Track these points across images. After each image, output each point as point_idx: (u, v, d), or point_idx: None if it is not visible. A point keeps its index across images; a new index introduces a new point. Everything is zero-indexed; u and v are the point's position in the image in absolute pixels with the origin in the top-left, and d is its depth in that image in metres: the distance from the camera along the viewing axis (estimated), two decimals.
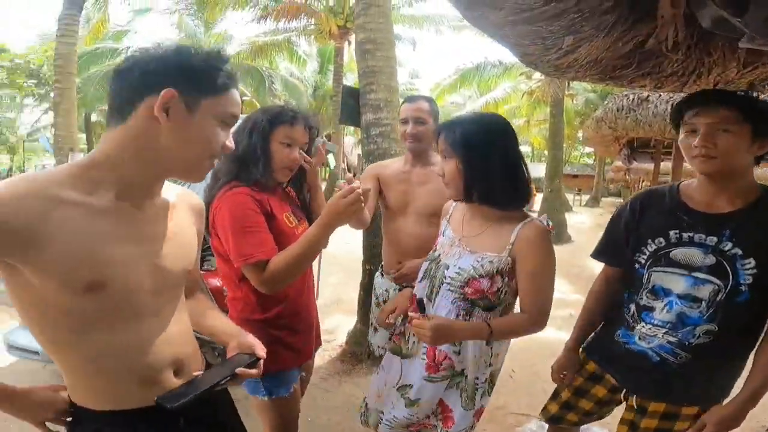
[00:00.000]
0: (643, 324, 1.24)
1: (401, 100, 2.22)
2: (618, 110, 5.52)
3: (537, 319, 1.21)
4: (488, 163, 1.17)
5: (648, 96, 5.24)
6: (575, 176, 31.27)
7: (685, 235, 1.17)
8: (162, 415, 0.82)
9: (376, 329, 2.04)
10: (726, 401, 1.21)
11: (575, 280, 5.69)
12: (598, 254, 1.42)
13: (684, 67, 1.45)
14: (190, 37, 15.44)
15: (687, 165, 1.31)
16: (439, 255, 1.32)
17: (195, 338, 0.97)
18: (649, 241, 1.23)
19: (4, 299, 0.81)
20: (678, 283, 1.18)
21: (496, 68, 14.71)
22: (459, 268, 1.23)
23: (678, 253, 1.18)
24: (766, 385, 1.13)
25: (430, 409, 1.32)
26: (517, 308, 1.29)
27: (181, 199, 0.95)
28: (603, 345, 1.39)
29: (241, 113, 0.89)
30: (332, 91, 14.38)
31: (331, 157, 3.10)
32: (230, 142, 0.85)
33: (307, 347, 1.48)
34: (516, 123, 17.55)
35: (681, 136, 1.19)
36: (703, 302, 1.15)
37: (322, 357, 3.14)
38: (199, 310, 1.04)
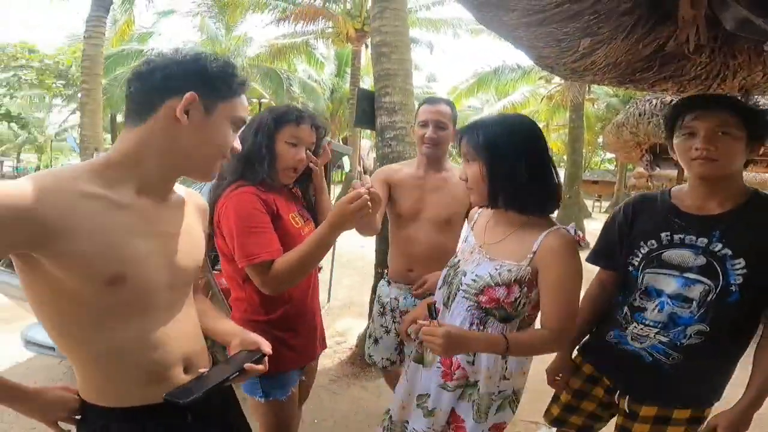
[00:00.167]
0: (635, 324, 1.25)
1: (416, 104, 2.17)
2: (640, 115, 5.36)
3: (557, 337, 1.12)
4: (513, 166, 1.10)
5: (671, 101, 5.10)
6: (595, 182, 30.65)
7: (676, 237, 1.19)
8: (170, 412, 0.83)
9: (376, 340, 1.99)
10: (717, 403, 1.23)
11: None
12: (593, 258, 1.44)
13: (707, 71, 1.41)
14: (211, 39, 15.72)
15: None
16: (459, 261, 1.28)
17: (203, 336, 0.98)
18: (642, 243, 1.25)
19: (22, 294, 0.83)
20: (669, 284, 1.19)
21: (514, 72, 14.57)
22: (476, 275, 1.18)
23: (669, 254, 1.20)
24: None
25: (446, 419, 1.27)
26: (538, 324, 1.23)
27: (189, 199, 0.97)
28: (598, 346, 1.39)
29: None
30: (349, 94, 14.48)
31: (345, 160, 3.11)
32: (237, 144, 0.89)
33: (309, 350, 1.46)
34: None
35: (678, 139, 1.20)
36: (694, 302, 1.16)
37: (331, 359, 3.14)
38: (200, 309, 1.04)
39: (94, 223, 0.73)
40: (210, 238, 1.20)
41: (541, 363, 1.44)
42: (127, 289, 0.77)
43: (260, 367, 0.94)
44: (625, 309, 1.28)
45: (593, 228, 12.68)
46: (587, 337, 1.46)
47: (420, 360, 1.33)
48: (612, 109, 15.82)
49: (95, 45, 7.73)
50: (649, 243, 1.23)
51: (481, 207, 1.27)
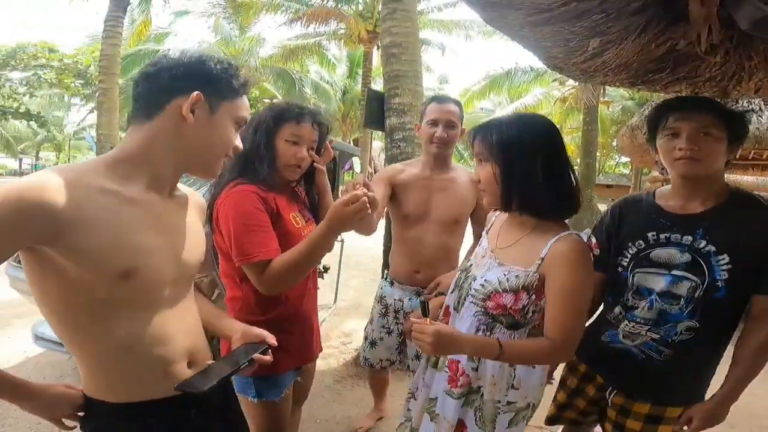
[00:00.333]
0: (626, 323, 1.28)
1: None
2: None
3: (560, 347, 1.06)
4: (528, 167, 1.05)
5: None
6: (609, 186, 30.22)
7: (662, 236, 1.23)
8: (174, 408, 0.85)
9: (373, 342, 1.98)
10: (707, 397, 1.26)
11: None
12: None
13: (723, 72, 1.37)
14: (225, 39, 15.90)
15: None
16: (471, 265, 1.25)
17: (203, 331, 0.99)
18: (630, 244, 1.28)
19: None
20: (658, 282, 1.22)
21: (527, 74, 14.42)
22: (485, 280, 1.14)
23: (657, 253, 1.23)
24: (747, 378, 1.18)
25: (450, 428, 1.22)
26: None
27: (191, 197, 0.99)
28: (590, 346, 1.38)
29: None
30: (361, 95, 14.49)
31: (356, 161, 3.11)
32: (239, 142, 0.93)
33: (306, 351, 1.44)
34: None
35: (661, 140, 1.23)
36: (682, 299, 1.19)
37: (337, 360, 3.14)
38: (200, 305, 1.05)
39: (108, 217, 0.75)
40: (210, 236, 1.20)
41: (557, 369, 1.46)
42: (137, 284, 0.78)
43: (267, 357, 0.98)
44: (618, 308, 1.31)
45: None
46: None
47: (435, 364, 1.31)
48: (627, 111, 15.58)
49: (113, 45, 7.88)
50: (637, 243, 1.27)
51: (495, 210, 1.23)
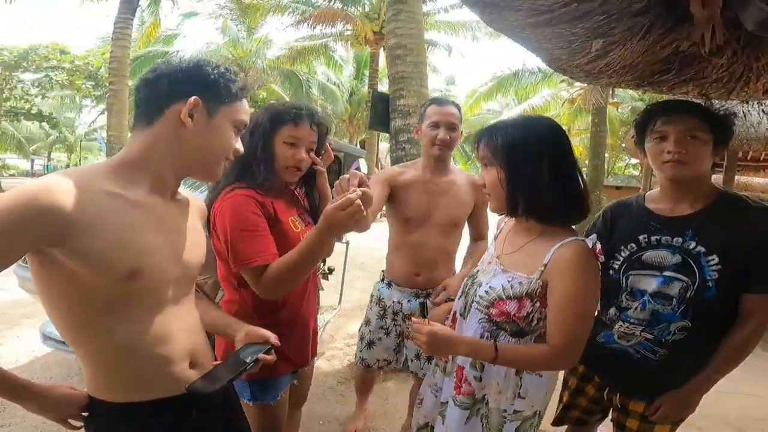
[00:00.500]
0: (621, 323, 1.30)
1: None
2: None
3: (561, 353, 1.04)
4: (533, 170, 1.03)
5: None
6: (618, 188, 29.87)
7: (653, 238, 1.25)
8: (176, 408, 0.86)
9: (370, 343, 1.97)
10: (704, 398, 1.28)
11: None
12: None
13: (730, 73, 1.35)
14: (233, 41, 15.99)
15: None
16: (478, 271, 1.25)
17: (204, 331, 1.00)
18: (622, 247, 1.30)
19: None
20: (650, 283, 1.24)
21: (534, 75, 14.32)
22: (489, 286, 1.13)
23: (648, 255, 1.26)
24: (720, 372, 1.22)
25: None
26: None
27: (192, 200, 1.01)
28: (588, 347, 1.39)
29: None
30: (367, 96, 14.51)
31: (363, 162, 3.11)
32: (239, 146, 0.94)
33: (303, 354, 1.43)
34: None
35: (650, 143, 1.26)
36: (674, 299, 1.21)
37: (341, 361, 3.14)
38: (201, 306, 1.05)
39: (114, 219, 0.77)
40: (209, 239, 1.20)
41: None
42: (142, 284, 0.80)
43: (271, 357, 0.99)
44: (612, 310, 1.32)
45: None
46: None
47: (444, 369, 1.31)
48: (637, 113, 15.38)
49: (122, 47, 7.99)
50: (629, 246, 1.29)
51: (500, 215, 1.22)
